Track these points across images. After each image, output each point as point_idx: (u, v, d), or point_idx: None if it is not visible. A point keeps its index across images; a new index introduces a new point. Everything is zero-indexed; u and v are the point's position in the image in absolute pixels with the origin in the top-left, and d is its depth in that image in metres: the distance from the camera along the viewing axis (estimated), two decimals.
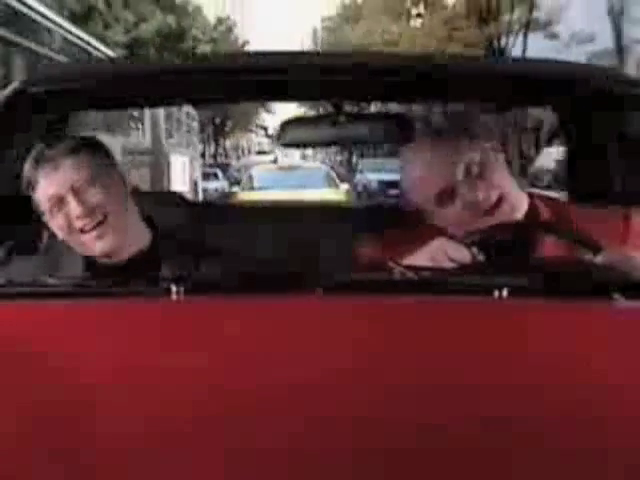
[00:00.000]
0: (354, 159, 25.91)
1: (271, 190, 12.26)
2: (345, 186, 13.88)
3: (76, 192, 1.59)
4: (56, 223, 1.62)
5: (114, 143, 7.53)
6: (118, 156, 1.85)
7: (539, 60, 1.79)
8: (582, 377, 1.12)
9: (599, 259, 1.44)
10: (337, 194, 13.05)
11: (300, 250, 1.97)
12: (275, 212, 2.48)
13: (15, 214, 1.86)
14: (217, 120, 40.09)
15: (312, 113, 23.62)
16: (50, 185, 1.60)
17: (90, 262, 1.64)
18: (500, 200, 1.62)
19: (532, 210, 1.67)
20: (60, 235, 1.64)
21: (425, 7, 24.30)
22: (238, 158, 49.42)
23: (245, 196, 12.99)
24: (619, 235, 1.58)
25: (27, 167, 1.63)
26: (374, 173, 21.09)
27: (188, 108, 15.00)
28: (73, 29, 9.15)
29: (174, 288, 1.32)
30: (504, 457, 0.97)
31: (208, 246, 1.71)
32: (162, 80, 1.75)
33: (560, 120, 2.12)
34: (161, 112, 12.07)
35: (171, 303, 1.32)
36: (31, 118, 1.88)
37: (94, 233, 1.60)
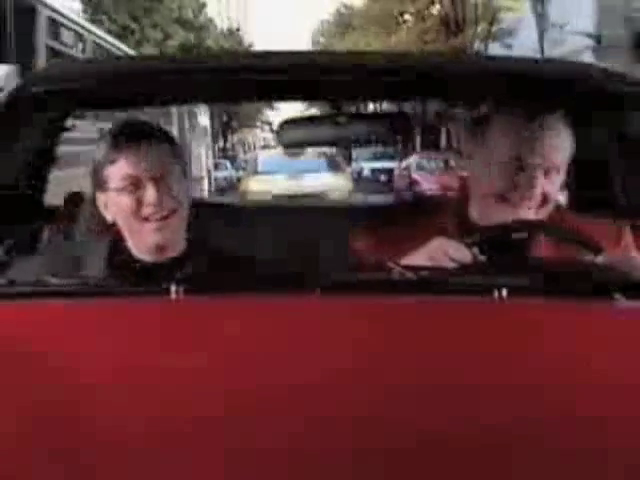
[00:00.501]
0: (352, 150, 27.01)
1: (276, 175, 12.12)
2: (350, 169, 13.84)
3: (155, 180, 1.57)
4: (120, 203, 1.58)
5: None
6: None
7: (539, 59, 1.78)
8: (582, 377, 1.12)
9: (599, 259, 1.44)
10: (343, 178, 12.93)
11: (300, 250, 1.97)
12: (275, 212, 2.48)
13: (15, 212, 1.86)
14: (225, 117, 41.62)
15: (314, 110, 24.09)
16: (130, 165, 1.57)
17: (113, 260, 1.61)
18: (538, 206, 1.60)
19: None
20: (113, 216, 1.61)
21: (412, 16, 26.97)
22: (244, 152, 50.01)
23: (250, 181, 12.86)
24: (621, 238, 1.58)
25: (106, 142, 1.60)
26: (368, 162, 25.07)
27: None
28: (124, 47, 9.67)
29: (173, 288, 1.32)
30: (504, 457, 0.97)
31: (240, 258, 1.66)
32: (163, 79, 1.74)
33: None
34: (185, 107, 12.34)
35: (171, 303, 1.32)
36: (32, 117, 1.88)
37: (156, 225, 1.57)
